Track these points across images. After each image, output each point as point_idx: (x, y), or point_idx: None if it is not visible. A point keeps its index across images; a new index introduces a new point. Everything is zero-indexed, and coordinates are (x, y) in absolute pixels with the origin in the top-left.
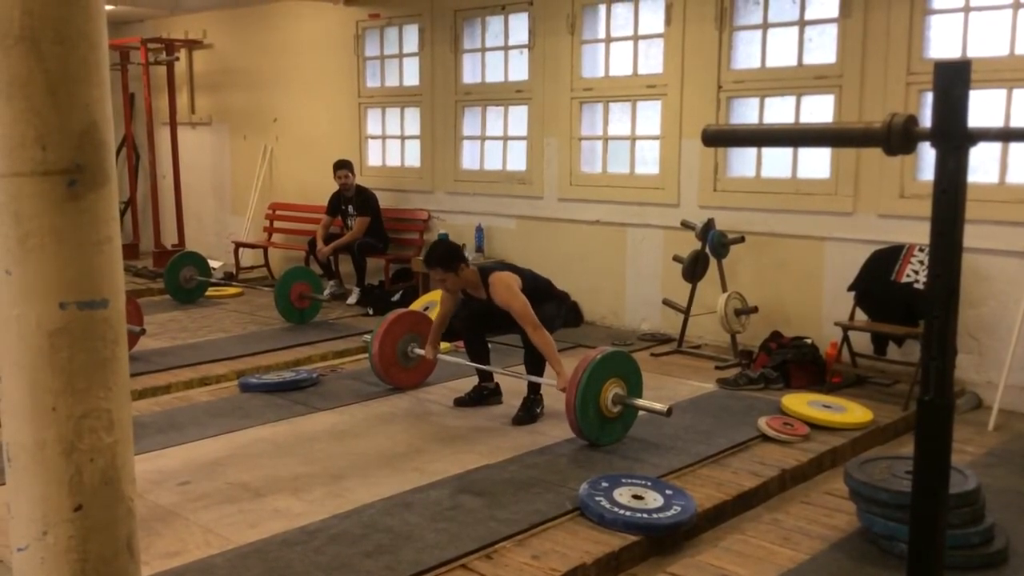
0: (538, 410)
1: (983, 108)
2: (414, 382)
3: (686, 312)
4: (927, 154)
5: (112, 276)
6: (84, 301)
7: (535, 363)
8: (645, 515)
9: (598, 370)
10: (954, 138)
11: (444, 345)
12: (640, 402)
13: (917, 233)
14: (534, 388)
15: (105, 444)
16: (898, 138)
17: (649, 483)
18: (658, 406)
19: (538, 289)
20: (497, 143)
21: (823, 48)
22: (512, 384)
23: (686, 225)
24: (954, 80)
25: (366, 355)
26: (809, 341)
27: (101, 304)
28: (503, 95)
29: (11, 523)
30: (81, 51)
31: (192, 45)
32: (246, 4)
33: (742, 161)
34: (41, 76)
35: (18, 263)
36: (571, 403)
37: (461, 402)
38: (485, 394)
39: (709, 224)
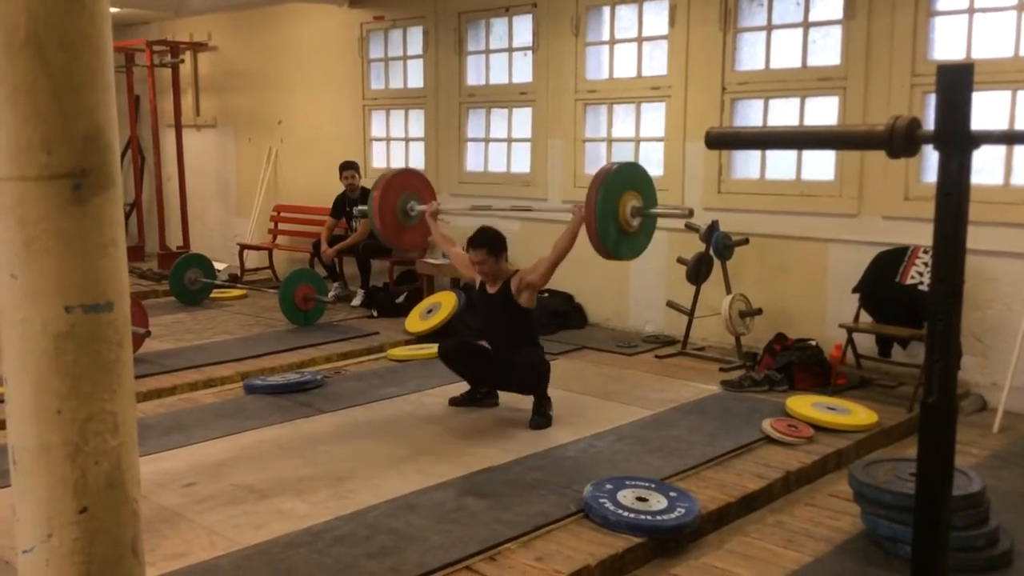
0: (551, 411)
1: (987, 110)
2: (417, 243)
3: (690, 314)
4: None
5: (117, 279)
6: (89, 304)
7: (531, 375)
8: (649, 517)
9: (612, 186)
10: (957, 141)
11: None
12: (659, 210)
13: (922, 235)
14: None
15: (110, 447)
16: (901, 141)
17: (653, 485)
18: (678, 209)
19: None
20: (501, 145)
21: (827, 50)
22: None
23: (690, 227)
24: (957, 83)
25: (373, 357)
26: (813, 343)
27: (106, 307)
28: (507, 97)
29: (16, 525)
30: (86, 56)
31: (197, 47)
32: (251, 7)
33: (746, 163)
34: (46, 81)
35: (23, 267)
36: (592, 226)
37: (456, 402)
38: (478, 396)
39: (713, 226)
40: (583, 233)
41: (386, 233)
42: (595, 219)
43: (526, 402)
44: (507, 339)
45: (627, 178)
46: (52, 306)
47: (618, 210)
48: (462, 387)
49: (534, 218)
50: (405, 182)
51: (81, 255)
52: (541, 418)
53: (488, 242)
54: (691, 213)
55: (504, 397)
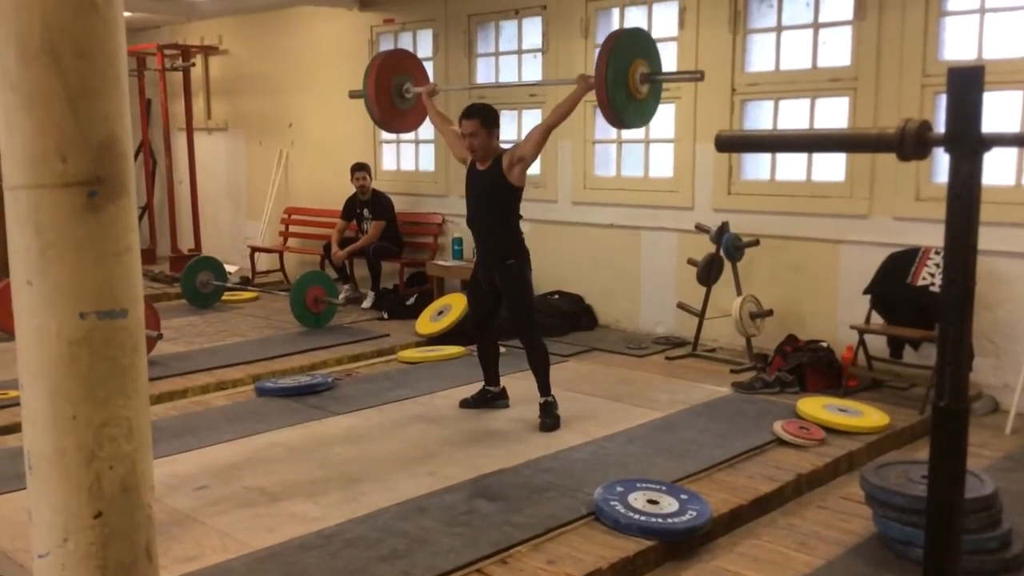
0: (557, 411)
1: (1000, 110)
2: (414, 125)
3: (701, 315)
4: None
5: (131, 286)
6: (104, 311)
7: (539, 366)
8: (660, 520)
9: (620, 52)
10: (968, 144)
11: (458, 349)
12: (668, 75)
13: (933, 236)
14: (545, 390)
15: (124, 452)
16: (911, 144)
17: (664, 488)
18: (687, 73)
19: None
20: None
21: (837, 50)
22: (519, 392)
23: (700, 228)
24: (968, 86)
25: (384, 359)
26: (825, 344)
27: (120, 314)
28: (517, 99)
29: (32, 530)
30: (101, 64)
31: (208, 51)
32: (262, 10)
33: (756, 164)
34: (62, 89)
35: (39, 273)
36: (603, 93)
37: (466, 403)
38: (489, 397)
39: (723, 227)
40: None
41: (383, 116)
42: (605, 86)
43: (535, 406)
44: (492, 217)
45: (634, 44)
46: (67, 312)
47: (627, 77)
48: (473, 389)
49: (543, 222)
50: (398, 63)
51: (96, 262)
52: (549, 419)
53: (481, 113)
54: (702, 76)
55: (514, 400)
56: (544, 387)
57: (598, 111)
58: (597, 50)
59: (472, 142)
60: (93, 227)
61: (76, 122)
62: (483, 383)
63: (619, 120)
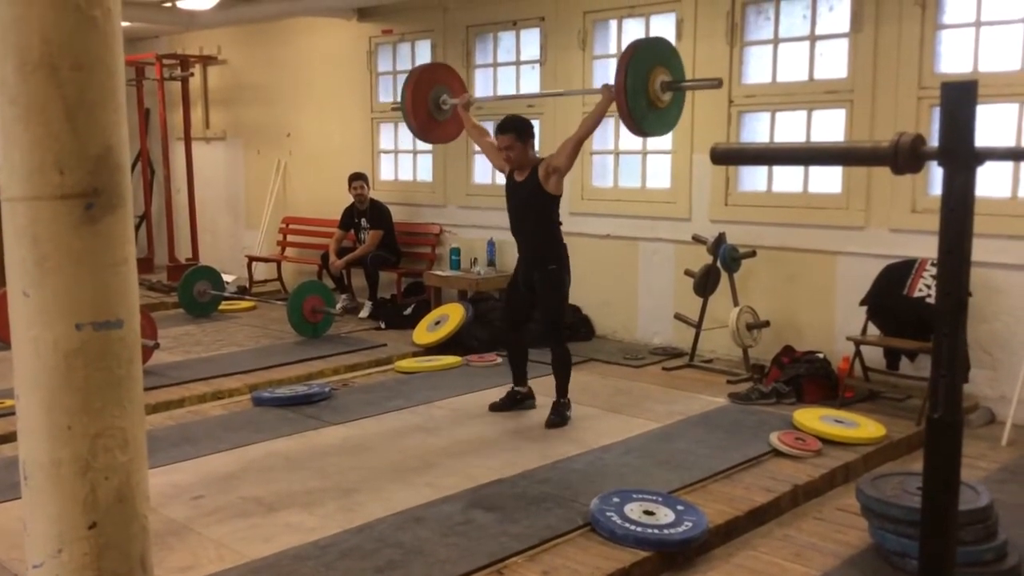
0: (568, 412)
1: (994, 123)
2: (452, 135)
3: (698, 326)
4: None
5: (127, 297)
6: (100, 322)
7: (561, 369)
8: (656, 531)
9: (639, 62)
10: (961, 157)
11: (455, 359)
12: (688, 83)
13: (929, 247)
14: (562, 392)
15: (120, 462)
16: (905, 158)
17: (660, 498)
18: (706, 81)
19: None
20: None
21: (834, 63)
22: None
23: (697, 239)
24: (961, 99)
25: (381, 369)
26: (821, 356)
27: (116, 325)
28: (515, 110)
29: (27, 540)
30: (99, 77)
31: (207, 61)
32: (260, 20)
33: (753, 175)
34: (59, 102)
35: (36, 285)
36: (623, 105)
37: (495, 407)
38: (518, 399)
39: (720, 238)
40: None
41: (421, 128)
42: (625, 97)
43: (538, 414)
44: (533, 224)
45: (654, 53)
46: (63, 323)
47: (648, 86)
48: (473, 404)
49: None
50: (434, 75)
51: (92, 273)
52: (557, 417)
53: (515, 127)
54: (720, 83)
55: (513, 413)
56: (562, 389)
57: None
58: (596, 61)
59: (508, 155)
60: (90, 239)
61: (74, 134)
62: (512, 386)
63: (640, 129)
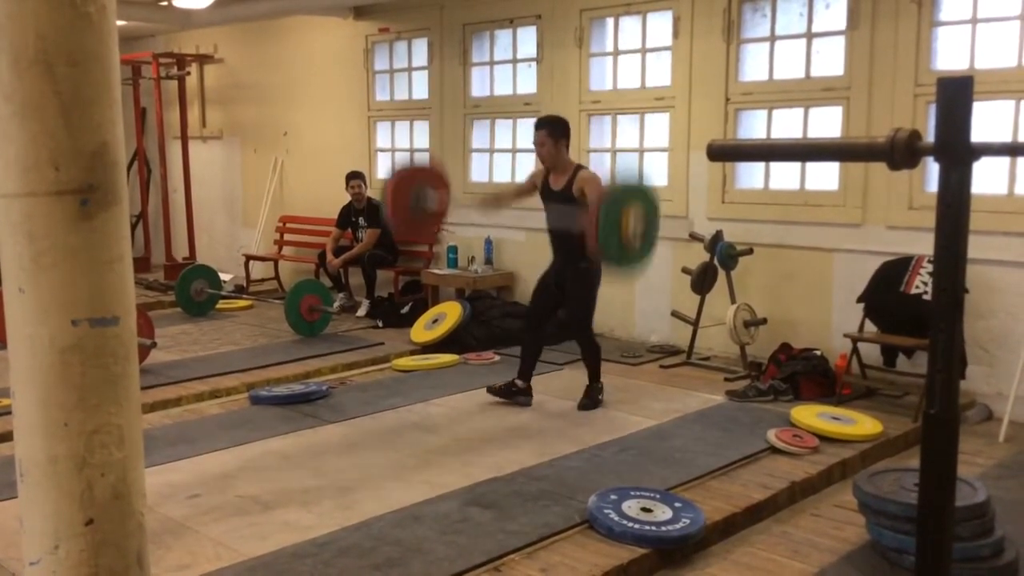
0: (600, 396)
1: (990, 120)
2: (432, 236)
3: (695, 324)
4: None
5: (123, 294)
6: (96, 318)
7: (591, 359)
8: (654, 528)
9: (609, 215)
10: (958, 153)
11: (453, 357)
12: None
13: (926, 244)
14: (594, 377)
15: (116, 459)
16: (902, 153)
17: (658, 496)
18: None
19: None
20: (506, 156)
21: (831, 60)
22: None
23: (695, 237)
24: (957, 95)
25: (378, 368)
26: (818, 353)
27: (112, 321)
28: (512, 108)
29: (24, 537)
30: (94, 73)
31: (203, 60)
32: (256, 19)
33: (750, 173)
34: (54, 98)
35: (31, 281)
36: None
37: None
38: (513, 391)
39: (717, 236)
40: None
41: (408, 233)
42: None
43: (536, 412)
44: (570, 231)
45: (625, 199)
46: (59, 320)
47: (620, 239)
48: (468, 403)
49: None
50: (411, 179)
51: (88, 270)
52: (588, 400)
53: (549, 124)
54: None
55: (506, 408)
56: (594, 375)
57: (592, 119)
58: (593, 59)
59: (541, 151)
60: (85, 235)
61: (69, 131)
62: (516, 375)
63: (620, 271)
